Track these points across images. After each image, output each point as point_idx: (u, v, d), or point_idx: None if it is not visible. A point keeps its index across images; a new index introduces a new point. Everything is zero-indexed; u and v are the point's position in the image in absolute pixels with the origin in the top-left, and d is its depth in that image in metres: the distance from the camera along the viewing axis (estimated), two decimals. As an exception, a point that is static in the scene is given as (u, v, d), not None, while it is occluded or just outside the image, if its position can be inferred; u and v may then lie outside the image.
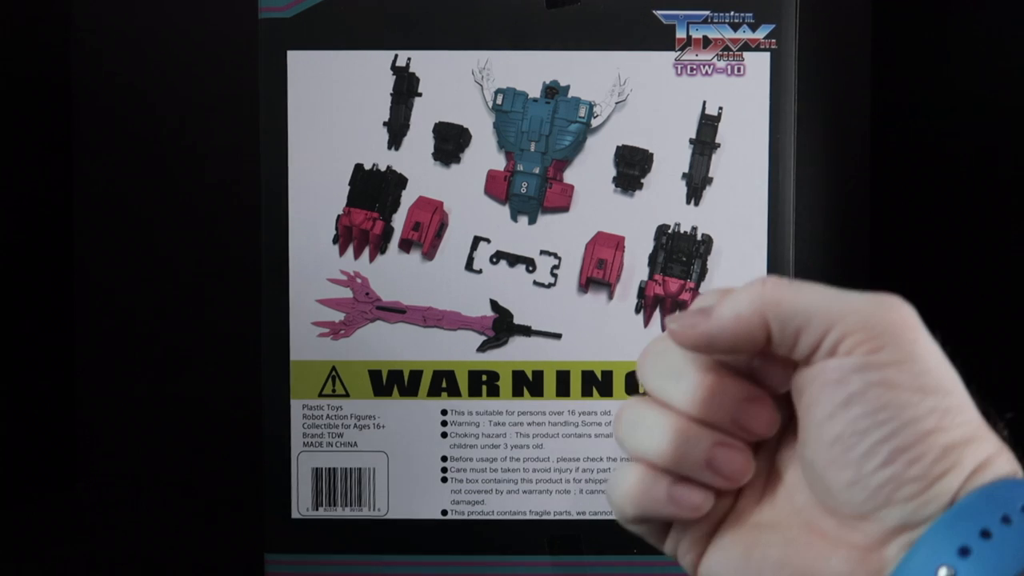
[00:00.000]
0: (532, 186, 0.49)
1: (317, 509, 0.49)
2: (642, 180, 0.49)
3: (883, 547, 0.28)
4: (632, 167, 0.48)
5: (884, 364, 0.28)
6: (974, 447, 0.28)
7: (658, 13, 0.48)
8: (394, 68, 0.48)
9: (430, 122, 0.49)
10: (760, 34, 0.48)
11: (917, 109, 0.65)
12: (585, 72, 0.48)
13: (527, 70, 0.48)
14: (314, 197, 0.49)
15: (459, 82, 0.48)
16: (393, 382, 0.49)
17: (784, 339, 0.29)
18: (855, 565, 0.28)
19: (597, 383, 0.49)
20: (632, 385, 0.49)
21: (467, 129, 0.49)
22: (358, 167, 0.49)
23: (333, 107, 0.49)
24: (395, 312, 0.49)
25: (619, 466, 0.33)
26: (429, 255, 0.49)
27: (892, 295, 0.29)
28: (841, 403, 0.28)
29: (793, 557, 0.29)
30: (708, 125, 0.48)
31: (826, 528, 0.29)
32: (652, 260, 0.49)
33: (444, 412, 0.49)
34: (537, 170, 0.48)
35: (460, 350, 0.49)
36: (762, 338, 0.29)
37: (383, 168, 0.49)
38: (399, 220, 0.49)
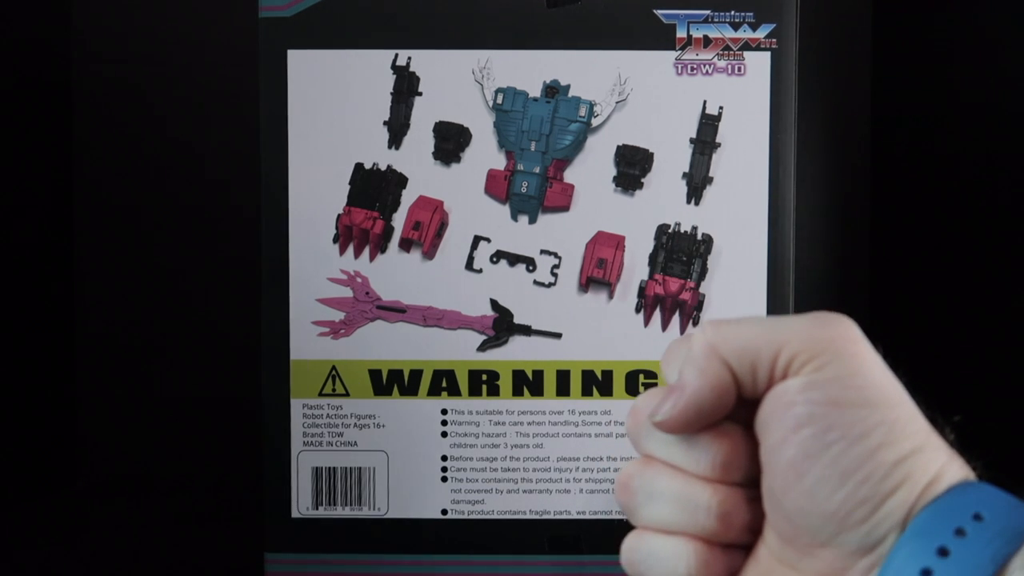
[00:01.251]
0: (532, 185, 0.48)
1: (317, 508, 0.49)
2: (642, 180, 0.49)
3: (845, 573, 0.28)
4: (632, 167, 0.48)
5: (827, 381, 0.28)
6: (924, 458, 0.27)
7: (658, 12, 0.48)
8: (394, 67, 0.48)
9: (430, 121, 0.49)
10: (760, 34, 0.48)
11: (917, 108, 0.65)
12: (585, 71, 0.48)
13: (527, 70, 0.48)
14: (314, 197, 0.49)
15: (459, 81, 0.48)
16: (393, 382, 0.49)
17: (745, 375, 0.29)
18: None
19: (597, 383, 0.49)
20: (632, 385, 0.49)
21: (467, 128, 0.49)
22: (358, 166, 0.49)
23: (333, 107, 0.49)
24: (395, 311, 0.49)
25: (643, 541, 0.30)
26: (429, 254, 0.49)
27: (833, 313, 0.29)
28: (792, 426, 0.28)
29: None
30: (708, 125, 0.48)
31: (790, 559, 0.29)
32: (652, 260, 0.49)
33: (444, 412, 0.49)
34: (537, 169, 0.48)
35: (460, 349, 0.49)
36: (730, 380, 0.29)
37: (383, 167, 0.49)
38: (399, 219, 0.49)
